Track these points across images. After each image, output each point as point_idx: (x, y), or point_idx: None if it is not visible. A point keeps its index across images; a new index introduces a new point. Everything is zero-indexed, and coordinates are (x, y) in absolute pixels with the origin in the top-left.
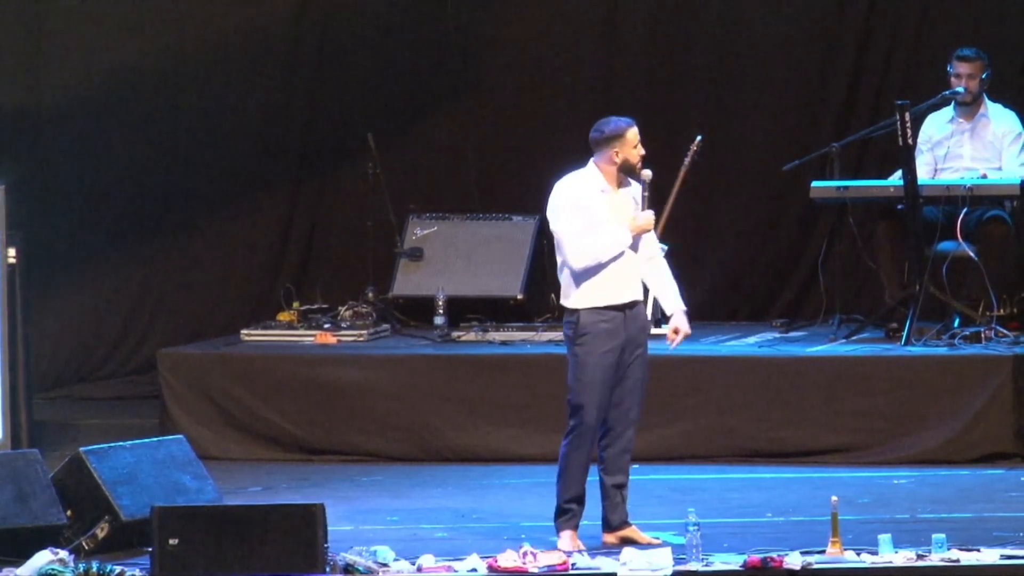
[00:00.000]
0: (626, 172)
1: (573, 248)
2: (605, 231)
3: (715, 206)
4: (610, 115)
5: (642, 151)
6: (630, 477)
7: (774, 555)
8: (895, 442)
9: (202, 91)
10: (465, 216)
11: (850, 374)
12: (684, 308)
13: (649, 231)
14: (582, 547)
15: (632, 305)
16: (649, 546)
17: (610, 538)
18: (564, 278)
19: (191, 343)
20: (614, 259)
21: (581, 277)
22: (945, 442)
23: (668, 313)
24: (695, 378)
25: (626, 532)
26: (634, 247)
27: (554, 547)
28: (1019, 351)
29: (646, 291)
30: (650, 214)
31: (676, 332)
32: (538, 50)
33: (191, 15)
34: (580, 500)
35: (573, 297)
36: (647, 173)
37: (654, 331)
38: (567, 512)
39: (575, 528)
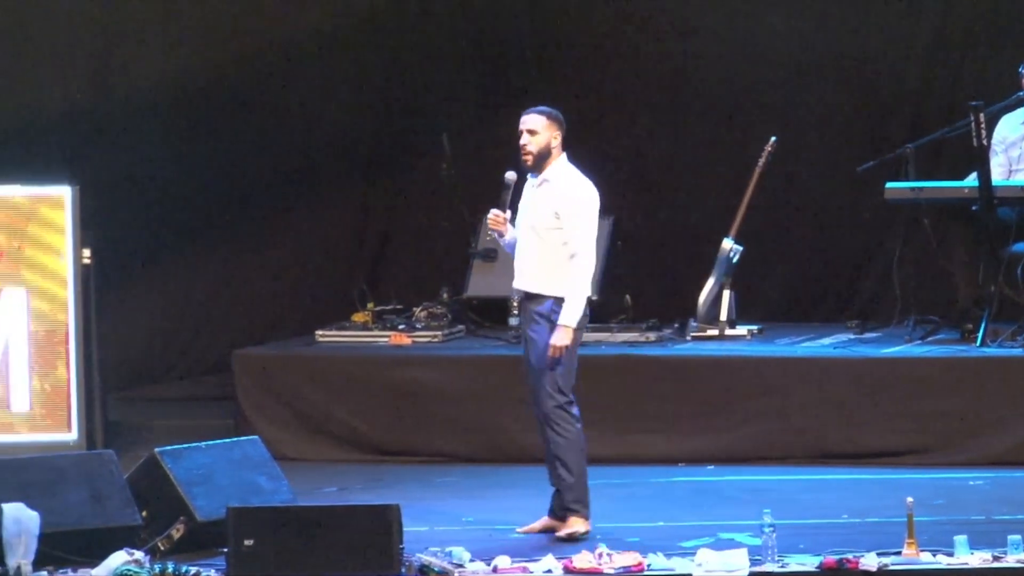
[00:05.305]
0: None
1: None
2: None
3: (789, 207)
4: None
5: (521, 140)
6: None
7: (850, 556)
8: (970, 443)
9: (275, 91)
10: None
11: (925, 375)
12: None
13: None
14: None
15: None
16: (569, 537)
17: (537, 525)
18: (552, 266)
19: (265, 344)
20: None
21: (589, 268)
22: (1020, 443)
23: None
24: (770, 379)
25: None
26: None
27: (630, 548)
28: None
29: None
30: None
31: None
32: (612, 49)
33: (263, 17)
34: None
35: (580, 286)
36: (511, 175)
37: (729, 332)
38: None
39: None
